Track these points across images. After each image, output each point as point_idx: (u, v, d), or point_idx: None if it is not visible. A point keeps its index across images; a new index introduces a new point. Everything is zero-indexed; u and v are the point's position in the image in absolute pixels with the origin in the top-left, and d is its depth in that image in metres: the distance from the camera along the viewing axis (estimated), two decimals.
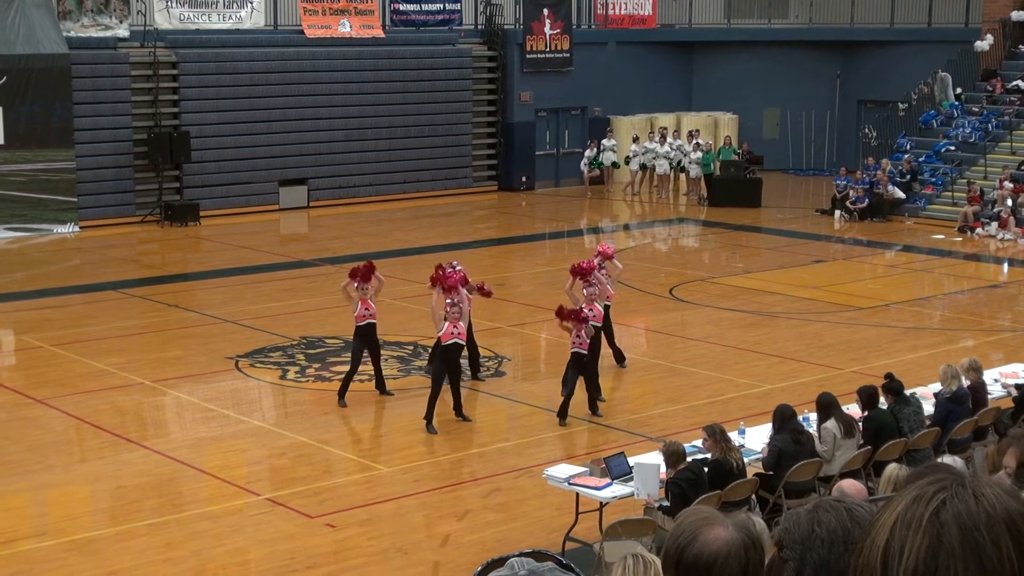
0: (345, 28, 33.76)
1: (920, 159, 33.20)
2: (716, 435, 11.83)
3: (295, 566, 11.68)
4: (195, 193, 31.56)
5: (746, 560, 2.88)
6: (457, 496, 13.65)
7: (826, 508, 2.47)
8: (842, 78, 39.83)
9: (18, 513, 13.38)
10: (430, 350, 17.57)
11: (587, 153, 36.71)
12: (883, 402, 13.30)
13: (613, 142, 36.91)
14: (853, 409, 13.49)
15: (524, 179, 36.86)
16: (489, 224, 33.34)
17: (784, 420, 12.48)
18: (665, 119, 38.25)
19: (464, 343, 15.98)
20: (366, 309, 16.44)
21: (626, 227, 33.33)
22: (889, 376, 13.63)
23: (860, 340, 20.07)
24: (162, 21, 31.15)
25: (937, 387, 14.00)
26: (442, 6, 35.75)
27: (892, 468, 9.17)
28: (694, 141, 35.86)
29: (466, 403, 17.13)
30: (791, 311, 22.11)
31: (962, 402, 13.68)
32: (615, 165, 37.01)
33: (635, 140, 36.33)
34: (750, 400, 16.66)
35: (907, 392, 13.64)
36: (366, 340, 16.55)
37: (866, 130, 36.45)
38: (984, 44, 35.21)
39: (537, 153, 37.29)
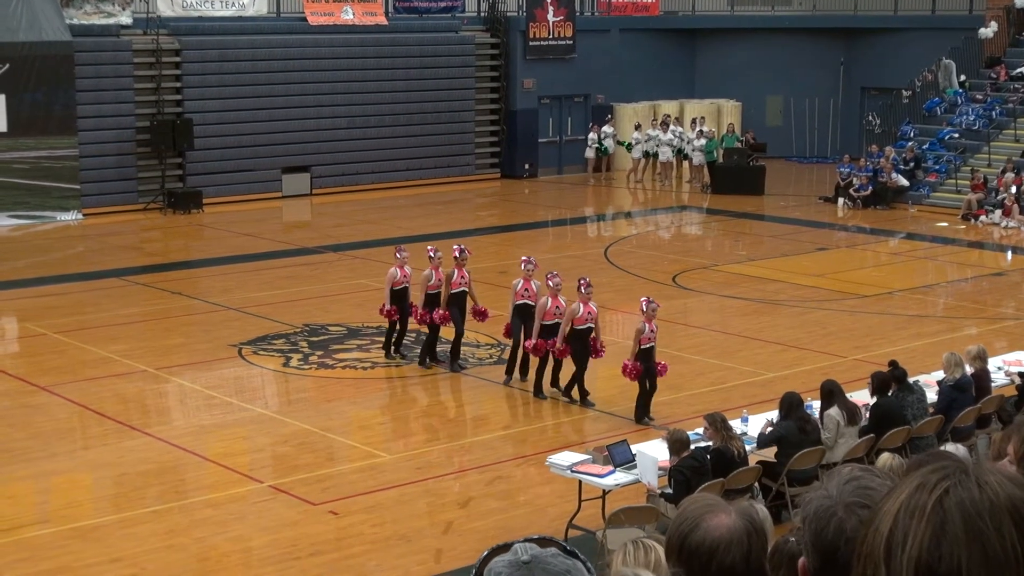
0: (348, 15, 33.72)
1: (924, 147, 33.16)
2: (717, 424, 11.83)
3: (298, 553, 11.69)
4: (198, 180, 31.56)
5: (748, 546, 2.88)
6: (460, 483, 13.66)
7: (854, 509, 2.41)
8: (845, 65, 39.77)
9: (21, 500, 13.40)
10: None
11: (591, 136, 36.62)
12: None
13: (612, 129, 36.88)
14: (857, 395, 13.49)
15: (527, 166, 36.83)
16: (492, 211, 33.33)
17: (791, 407, 12.48)
18: (668, 106, 38.21)
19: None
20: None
21: (629, 215, 33.31)
22: (893, 363, 13.62)
23: (863, 328, 20.06)
24: (165, 8, 31.11)
25: (940, 375, 14.00)
26: None
27: (886, 457, 9.16)
28: (697, 129, 35.81)
29: (472, 391, 17.17)
30: (794, 299, 22.10)
31: (965, 390, 13.68)
32: (620, 143, 36.86)
33: (637, 128, 36.28)
34: (753, 388, 16.65)
35: (910, 380, 13.64)
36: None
37: (870, 117, 36.38)
38: (988, 31, 35.13)
39: (540, 140, 37.26)
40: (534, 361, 16.49)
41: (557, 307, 16.00)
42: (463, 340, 17.65)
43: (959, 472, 1.83)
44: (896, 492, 1.87)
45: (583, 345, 15.81)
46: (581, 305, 15.73)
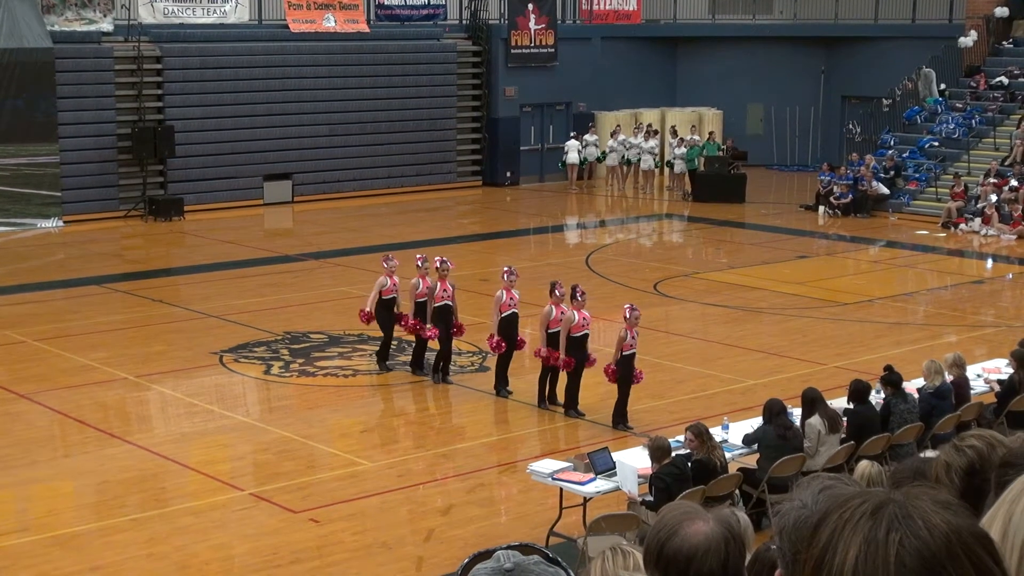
0: (329, 23, 33.71)
1: (904, 155, 33.30)
2: (702, 435, 11.85)
3: (278, 561, 11.68)
4: (179, 188, 31.49)
5: (726, 554, 2.89)
6: (441, 491, 13.66)
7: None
8: (826, 74, 39.90)
9: (1, 508, 13.34)
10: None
11: (569, 143, 36.35)
12: (881, 393, 13.42)
13: (595, 137, 36.90)
14: (837, 403, 13.53)
15: (508, 174, 36.85)
16: (473, 219, 33.32)
17: (773, 414, 12.52)
18: (650, 115, 38.27)
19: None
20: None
21: (609, 222, 33.34)
22: (889, 368, 13.71)
23: (844, 335, 20.13)
24: (146, 15, 31.06)
25: (920, 382, 14.06)
26: (427, 1, 35.72)
27: (864, 465, 9.18)
28: (678, 137, 35.89)
29: (451, 398, 17.17)
30: (775, 307, 22.16)
31: (945, 397, 13.75)
32: (598, 159, 36.93)
33: (613, 135, 36.19)
34: (734, 395, 16.69)
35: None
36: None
37: (850, 126, 36.52)
38: (968, 40, 35.31)
39: (522, 148, 37.28)
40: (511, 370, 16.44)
41: (562, 314, 15.92)
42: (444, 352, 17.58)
43: (904, 518, 1.80)
44: (840, 545, 1.83)
45: (581, 355, 15.75)
46: (576, 313, 15.69)
